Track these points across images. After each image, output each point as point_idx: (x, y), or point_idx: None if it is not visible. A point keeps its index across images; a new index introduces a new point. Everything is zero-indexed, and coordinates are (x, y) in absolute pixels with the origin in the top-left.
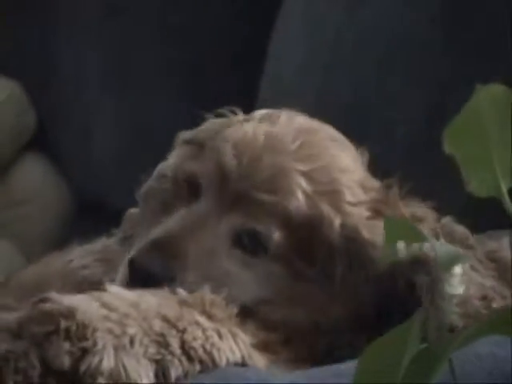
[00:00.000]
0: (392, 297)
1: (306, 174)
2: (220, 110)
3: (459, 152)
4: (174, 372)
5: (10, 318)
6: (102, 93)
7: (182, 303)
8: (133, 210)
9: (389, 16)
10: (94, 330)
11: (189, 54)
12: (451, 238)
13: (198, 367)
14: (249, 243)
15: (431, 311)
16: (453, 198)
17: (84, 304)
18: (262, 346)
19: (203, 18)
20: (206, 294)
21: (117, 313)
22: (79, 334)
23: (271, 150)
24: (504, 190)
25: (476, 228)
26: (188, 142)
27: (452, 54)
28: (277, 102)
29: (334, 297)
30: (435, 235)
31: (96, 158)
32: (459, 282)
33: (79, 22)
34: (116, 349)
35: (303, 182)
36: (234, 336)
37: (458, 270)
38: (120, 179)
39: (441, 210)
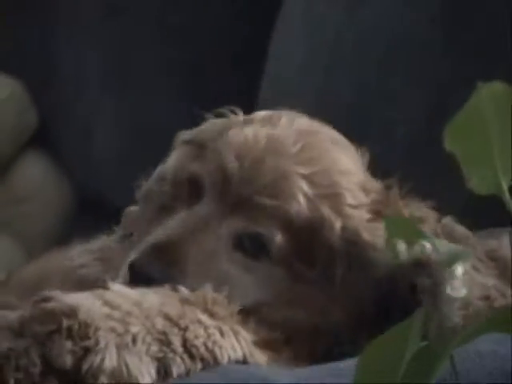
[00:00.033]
0: (393, 299)
1: (307, 178)
2: (220, 110)
3: (460, 149)
4: (176, 370)
5: (12, 316)
6: (103, 92)
7: (184, 301)
8: (132, 208)
9: (389, 16)
10: (97, 329)
11: (189, 54)
12: (452, 238)
13: (199, 365)
14: (250, 246)
15: (433, 314)
16: (453, 197)
17: (86, 302)
18: (264, 344)
19: (203, 18)
20: (208, 292)
21: (119, 311)
22: (81, 333)
23: (273, 153)
24: (505, 187)
25: (476, 228)
26: (188, 143)
27: (452, 54)
28: (277, 102)
29: (335, 299)
30: (436, 235)
31: (97, 155)
32: (461, 284)
33: (79, 21)
34: (118, 347)
35: (304, 186)
36: (235, 334)
37: (459, 271)
38: (120, 177)
39: (441, 210)
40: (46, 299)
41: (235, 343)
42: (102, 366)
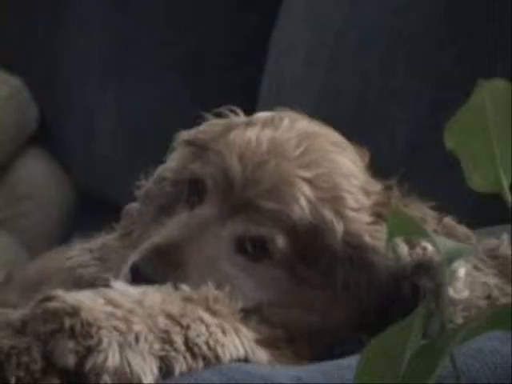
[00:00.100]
0: (395, 301)
1: (309, 181)
2: (220, 110)
3: (460, 147)
4: (178, 368)
5: (14, 315)
6: (104, 90)
7: (186, 299)
8: (132, 205)
9: (392, 13)
10: (99, 328)
11: (190, 52)
12: (453, 238)
13: (201, 363)
14: (252, 249)
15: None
16: (453, 198)
17: (89, 301)
18: (265, 342)
19: (204, 15)
20: (210, 290)
21: (122, 309)
22: (84, 332)
23: (275, 156)
24: (505, 184)
25: (477, 228)
26: (189, 143)
27: (454, 52)
28: (279, 100)
29: (336, 301)
30: (436, 235)
31: (98, 153)
32: (464, 285)
33: (82, 19)
34: (121, 346)
35: (307, 189)
36: (237, 332)
37: (462, 273)
38: (121, 175)
39: (441, 210)
40: (49, 298)
41: (237, 341)
42: (104, 365)
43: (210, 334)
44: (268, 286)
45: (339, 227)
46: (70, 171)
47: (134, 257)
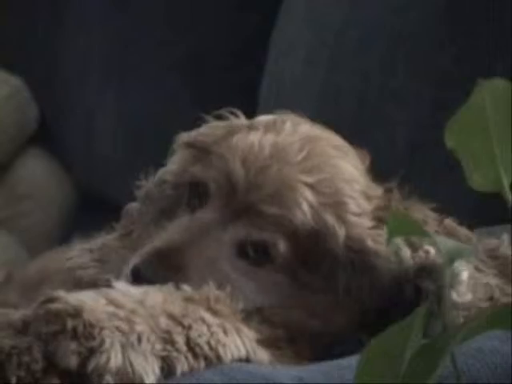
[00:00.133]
0: (397, 304)
1: (311, 186)
2: (220, 112)
3: (461, 147)
4: (180, 368)
5: (15, 315)
6: (104, 90)
7: (188, 300)
8: (132, 205)
9: (392, 13)
10: (101, 329)
11: (190, 52)
12: (454, 240)
13: (203, 363)
14: (253, 253)
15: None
16: (453, 198)
17: (91, 302)
18: (266, 342)
19: (204, 15)
20: (211, 290)
21: (124, 310)
22: (86, 334)
23: (278, 161)
24: (505, 183)
25: (477, 228)
26: (189, 145)
27: (455, 51)
28: (279, 100)
29: (338, 306)
30: None
31: (98, 153)
32: (466, 289)
33: (82, 19)
34: (123, 346)
35: (309, 194)
36: (238, 332)
37: (464, 276)
38: (121, 174)
39: (442, 212)
40: (51, 300)
41: (238, 341)
42: (107, 366)
43: (212, 334)
44: (269, 290)
45: (341, 232)
46: (70, 171)
47: (134, 260)
